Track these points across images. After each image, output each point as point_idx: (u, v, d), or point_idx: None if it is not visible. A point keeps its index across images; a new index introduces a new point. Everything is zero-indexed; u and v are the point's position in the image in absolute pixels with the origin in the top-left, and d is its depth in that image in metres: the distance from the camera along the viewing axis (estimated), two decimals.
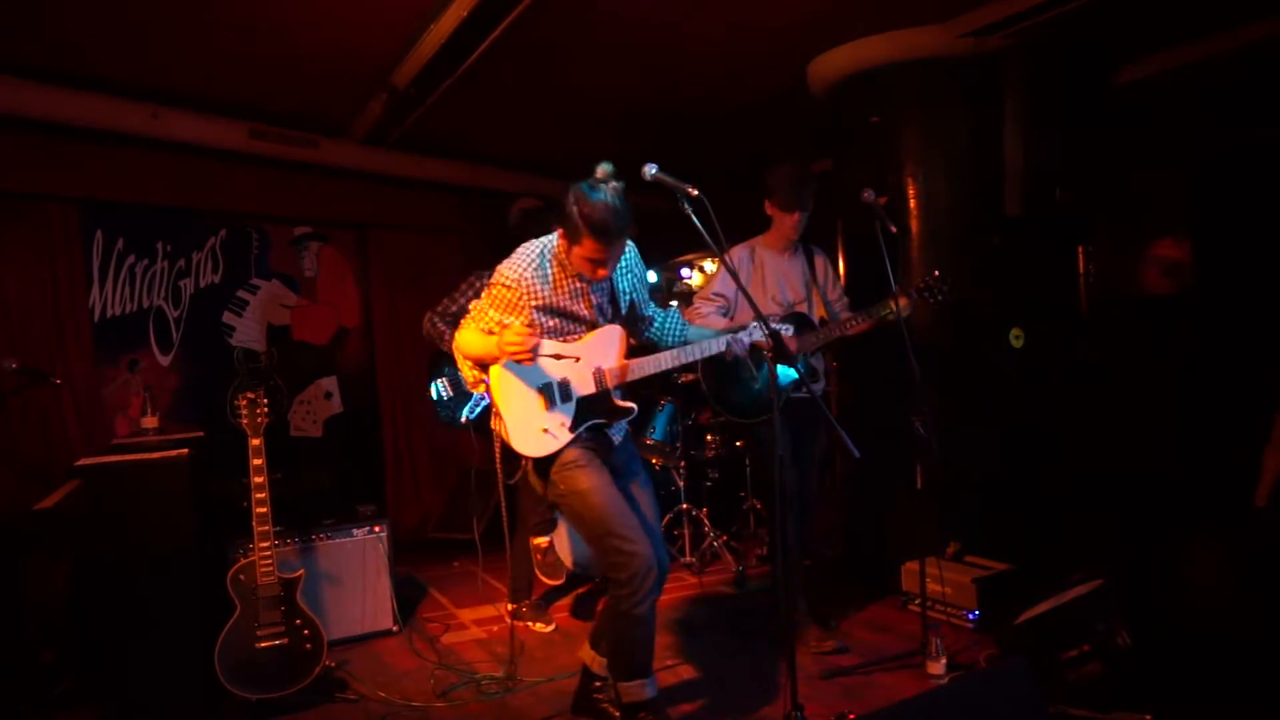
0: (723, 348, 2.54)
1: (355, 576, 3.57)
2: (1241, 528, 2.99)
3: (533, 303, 2.45)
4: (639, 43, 3.91)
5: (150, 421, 3.86)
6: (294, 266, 5.51)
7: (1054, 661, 2.65)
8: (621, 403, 2.55)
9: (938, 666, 2.89)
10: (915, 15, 3.78)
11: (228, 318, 5.21)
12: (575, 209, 2.29)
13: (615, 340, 2.56)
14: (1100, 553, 3.56)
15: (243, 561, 2.89)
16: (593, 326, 2.54)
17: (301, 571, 2.99)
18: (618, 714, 2.55)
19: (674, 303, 2.77)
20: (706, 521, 4.43)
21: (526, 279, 2.43)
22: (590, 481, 2.42)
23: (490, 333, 2.44)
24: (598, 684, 2.68)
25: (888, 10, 3.71)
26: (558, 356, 2.48)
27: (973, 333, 3.89)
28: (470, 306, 2.54)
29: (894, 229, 3.00)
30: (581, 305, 2.52)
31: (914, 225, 3.95)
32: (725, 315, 3.30)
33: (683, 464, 4.48)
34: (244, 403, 2.95)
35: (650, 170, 2.28)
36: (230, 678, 2.79)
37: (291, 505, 3.72)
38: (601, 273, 2.41)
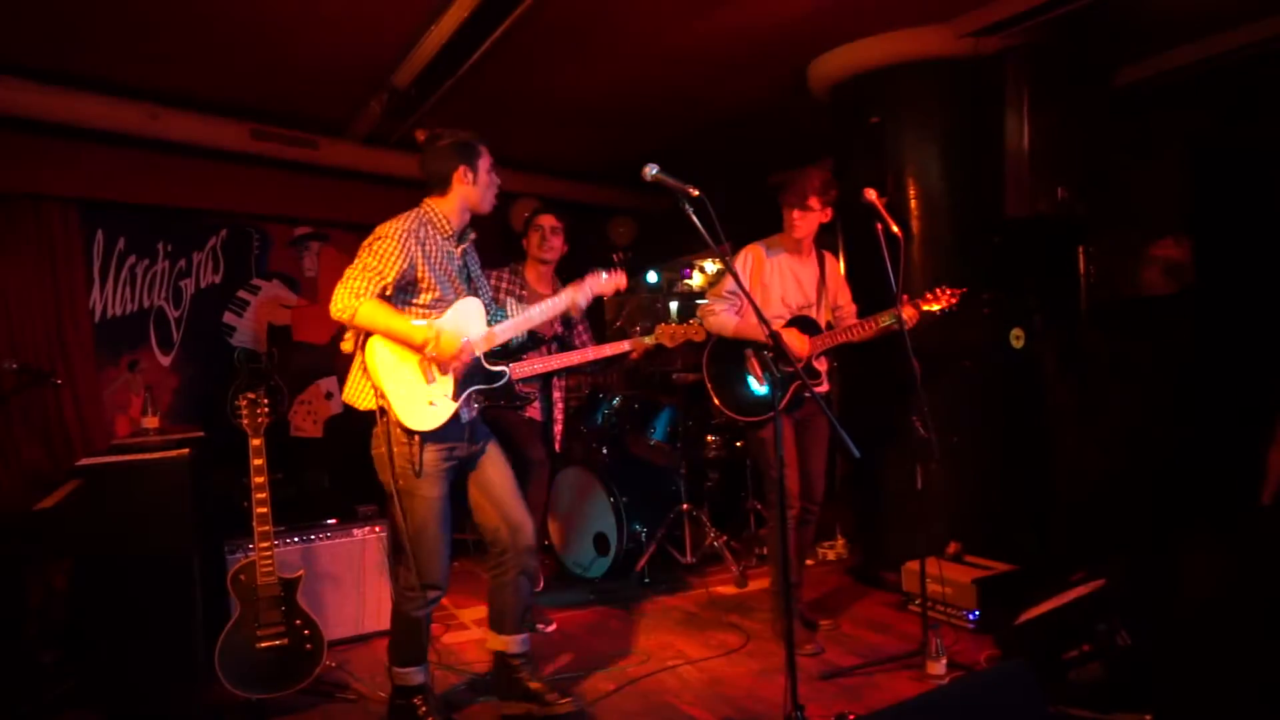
0: (575, 295, 2.79)
1: (355, 576, 3.57)
2: (1243, 528, 2.99)
3: (416, 259, 2.57)
4: (640, 44, 3.91)
5: (151, 421, 3.86)
6: (294, 266, 5.51)
7: (1054, 662, 2.65)
8: (493, 366, 2.71)
9: (938, 666, 2.89)
10: (915, 15, 3.78)
11: (228, 318, 5.21)
12: (465, 135, 2.77)
13: (474, 310, 2.70)
14: (1100, 553, 3.55)
15: (243, 561, 2.89)
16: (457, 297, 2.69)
17: (301, 571, 2.99)
18: (537, 686, 2.73)
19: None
20: (707, 522, 4.43)
21: (410, 230, 2.58)
22: (437, 492, 2.59)
23: (385, 292, 2.54)
24: (516, 663, 2.77)
25: (888, 10, 3.72)
26: None
27: (973, 332, 3.89)
28: (359, 265, 2.55)
29: (897, 230, 3.00)
30: (452, 272, 2.69)
31: (914, 225, 3.95)
32: (739, 313, 3.30)
33: (683, 464, 4.49)
34: (244, 403, 2.95)
35: (651, 170, 2.29)
36: (230, 678, 2.78)
37: (291, 505, 3.71)
38: (493, 192, 2.79)
